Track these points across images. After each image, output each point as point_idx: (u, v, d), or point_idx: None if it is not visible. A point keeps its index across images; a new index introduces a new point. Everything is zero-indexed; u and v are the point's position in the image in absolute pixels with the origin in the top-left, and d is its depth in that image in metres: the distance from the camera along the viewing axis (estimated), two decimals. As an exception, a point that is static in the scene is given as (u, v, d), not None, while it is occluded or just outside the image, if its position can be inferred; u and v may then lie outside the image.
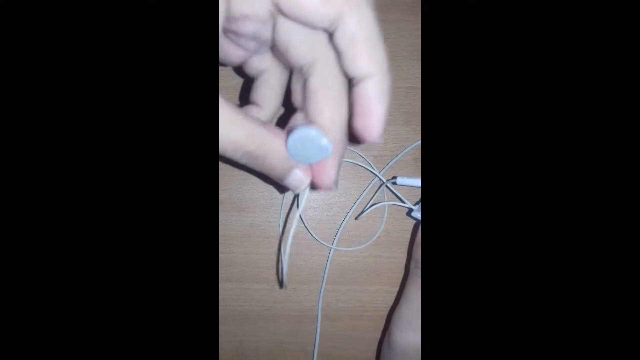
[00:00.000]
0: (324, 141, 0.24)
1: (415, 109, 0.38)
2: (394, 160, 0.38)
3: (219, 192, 0.39)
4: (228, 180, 0.39)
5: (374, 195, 0.38)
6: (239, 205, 0.39)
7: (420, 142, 0.38)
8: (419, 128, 0.38)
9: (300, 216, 0.38)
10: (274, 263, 0.39)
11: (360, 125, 0.23)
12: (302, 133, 0.24)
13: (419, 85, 0.38)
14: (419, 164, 0.38)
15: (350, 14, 0.21)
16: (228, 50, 0.26)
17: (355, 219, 0.38)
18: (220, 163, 0.39)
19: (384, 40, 0.22)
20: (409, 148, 0.38)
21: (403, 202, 0.36)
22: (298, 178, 0.25)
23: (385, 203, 0.37)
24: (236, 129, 0.22)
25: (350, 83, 0.23)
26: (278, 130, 0.25)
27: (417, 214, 0.33)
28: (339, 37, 0.21)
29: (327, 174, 0.25)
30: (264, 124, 0.24)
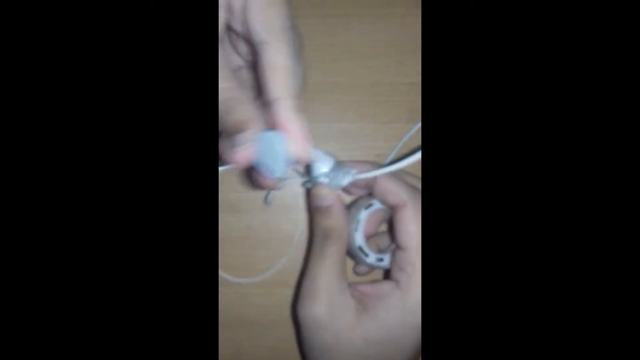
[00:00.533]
0: (281, 147, 0.24)
1: (418, 105, 0.38)
2: (393, 153, 0.37)
3: (219, 192, 0.38)
4: (225, 182, 0.38)
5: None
6: (236, 206, 0.38)
7: (418, 126, 0.37)
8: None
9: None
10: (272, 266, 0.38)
11: (292, 137, 0.25)
12: (264, 138, 0.24)
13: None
14: (419, 163, 0.38)
15: (271, 44, 0.24)
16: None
17: (266, 203, 0.38)
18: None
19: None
20: (407, 137, 0.37)
21: (303, 177, 0.34)
22: (248, 133, 0.25)
23: (285, 182, 0.36)
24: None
25: (266, 104, 0.25)
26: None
27: (308, 184, 0.32)
28: (262, 60, 0.24)
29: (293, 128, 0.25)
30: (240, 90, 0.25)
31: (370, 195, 0.32)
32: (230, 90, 0.24)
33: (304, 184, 0.34)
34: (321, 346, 0.29)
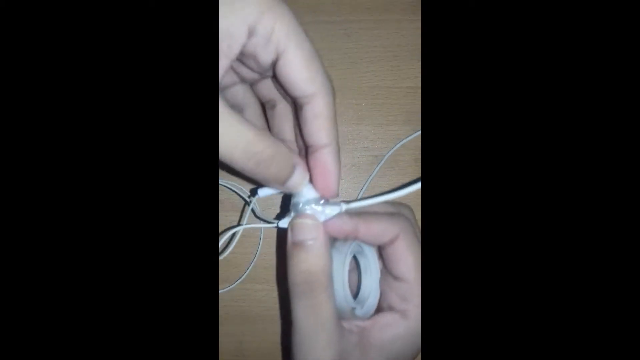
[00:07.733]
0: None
1: (415, 108, 0.38)
2: (390, 152, 0.38)
3: (219, 192, 0.39)
4: (228, 180, 0.39)
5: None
6: (239, 205, 0.39)
7: (417, 134, 0.38)
8: (419, 127, 0.38)
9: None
10: (273, 263, 0.39)
11: (321, 184, 0.26)
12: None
13: (419, 84, 0.38)
14: (419, 164, 0.38)
15: (317, 96, 0.24)
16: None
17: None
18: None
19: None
20: (406, 139, 0.38)
21: (268, 222, 0.30)
22: (299, 175, 0.25)
23: (240, 227, 0.33)
24: (243, 134, 0.23)
25: (309, 150, 0.26)
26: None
27: (284, 224, 0.27)
28: (308, 111, 0.25)
29: (330, 174, 0.26)
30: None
31: (349, 239, 0.28)
32: (265, 141, 0.23)
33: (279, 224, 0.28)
34: None
